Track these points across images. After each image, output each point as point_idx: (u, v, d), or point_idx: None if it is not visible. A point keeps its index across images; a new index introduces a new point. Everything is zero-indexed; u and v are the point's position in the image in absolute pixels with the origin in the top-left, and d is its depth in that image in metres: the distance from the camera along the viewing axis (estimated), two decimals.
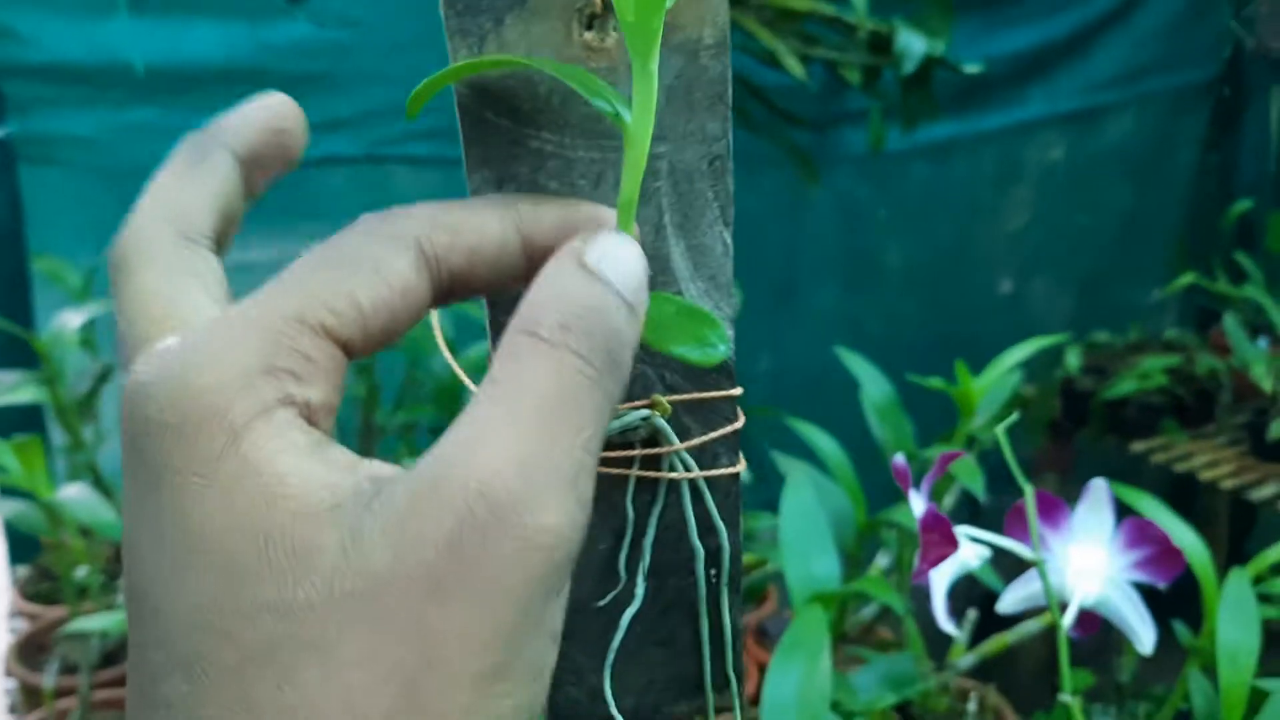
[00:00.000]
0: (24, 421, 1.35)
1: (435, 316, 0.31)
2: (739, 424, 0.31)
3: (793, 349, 1.84)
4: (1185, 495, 1.64)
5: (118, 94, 1.45)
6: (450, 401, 1.24)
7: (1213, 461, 1.53)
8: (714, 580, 0.32)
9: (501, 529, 0.20)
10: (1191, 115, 1.93)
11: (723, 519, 0.31)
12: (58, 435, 1.32)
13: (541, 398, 0.21)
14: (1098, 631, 0.51)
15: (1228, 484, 1.48)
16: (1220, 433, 1.61)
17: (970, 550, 0.51)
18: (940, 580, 0.50)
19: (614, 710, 0.32)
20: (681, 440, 0.30)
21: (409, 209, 0.26)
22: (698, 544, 0.31)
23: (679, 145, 0.28)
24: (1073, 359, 1.68)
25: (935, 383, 0.95)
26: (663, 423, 0.30)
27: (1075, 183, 1.93)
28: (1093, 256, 1.99)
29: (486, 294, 0.28)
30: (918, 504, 0.48)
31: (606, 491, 0.30)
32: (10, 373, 1.20)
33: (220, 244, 0.27)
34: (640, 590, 0.31)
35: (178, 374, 0.21)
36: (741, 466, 0.31)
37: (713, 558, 0.32)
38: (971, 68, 1.48)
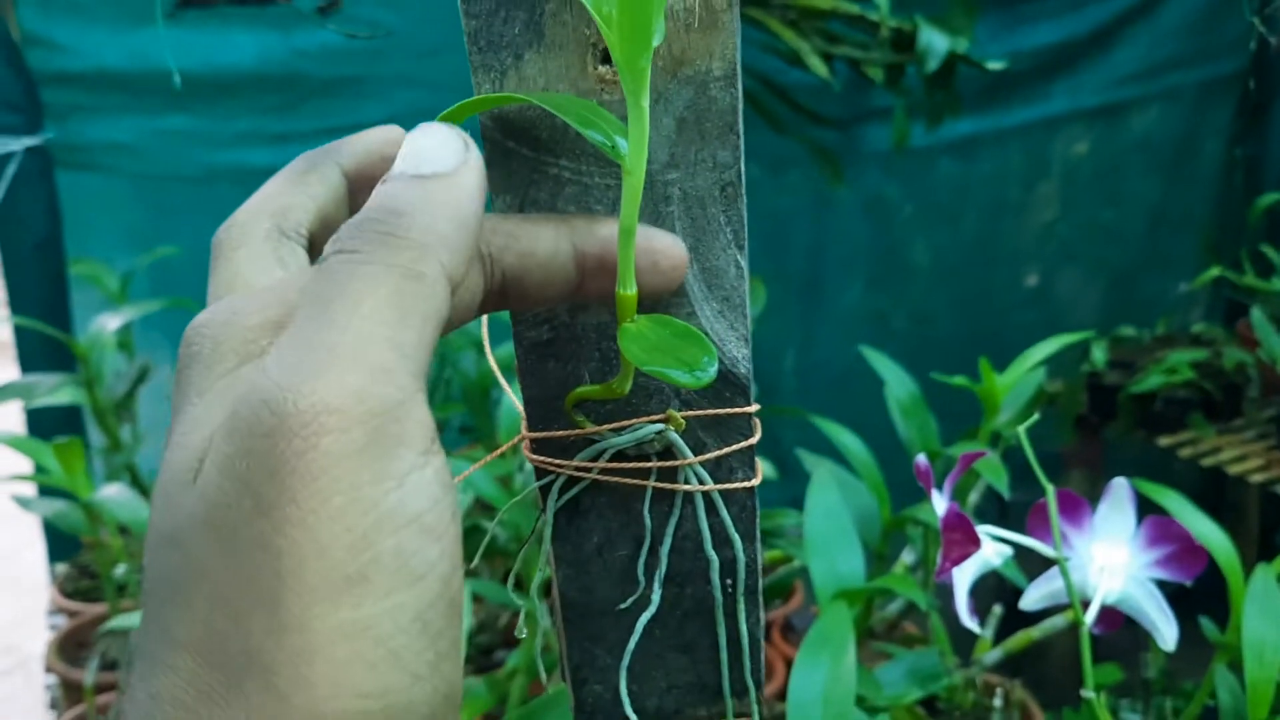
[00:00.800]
0: (63, 423, 1.38)
1: (485, 319, 0.33)
2: (754, 439, 0.32)
3: (819, 346, 1.85)
4: (1214, 490, 1.64)
5: (154, 101, 1.47)
6: (480, 399, 1.26)
7: (1241, 455, 1.52)
8: (730, 590, 0.33)
9: (284, 426, 0.20)
10: (1218, 109, 1.91)
11: (738, 531, 0.32)
12: (96, 436, 1.35)
13: (310, 305, 0.22)
14: (1126, 628, 0.52)
15: (1257, 478, 1.47)
16: (1248, 427, 1.60)
17: (992, 548, 0.51)
18: (963, 579, 0.51)
19: (629, 710, 0.33)
20: (698, 454, 0.31)
21: None
22: (713, 555, 0.32)
23: (690, 172, 0.30)
24: (1099, 354, 1.68)
25: (959, 380, 0.96)
26: (676, 437, 0.31)
27: (1101, 178, 1.92)
28: (1119, 251, 1.98)
29: (541, 302, 0.29)
30: (940, 504, 0.49)
31: (625, 500, 0.32)
32: (49, 375, 1.22)
33: (315, 245, 0.28)
34: (656, 596, 0.32)
35: (215, 315, 0.23)
36: (757, 480, 0.32)
37: (728, 568, 0.33)
38: (995, 64, 1.48)
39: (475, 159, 0.25)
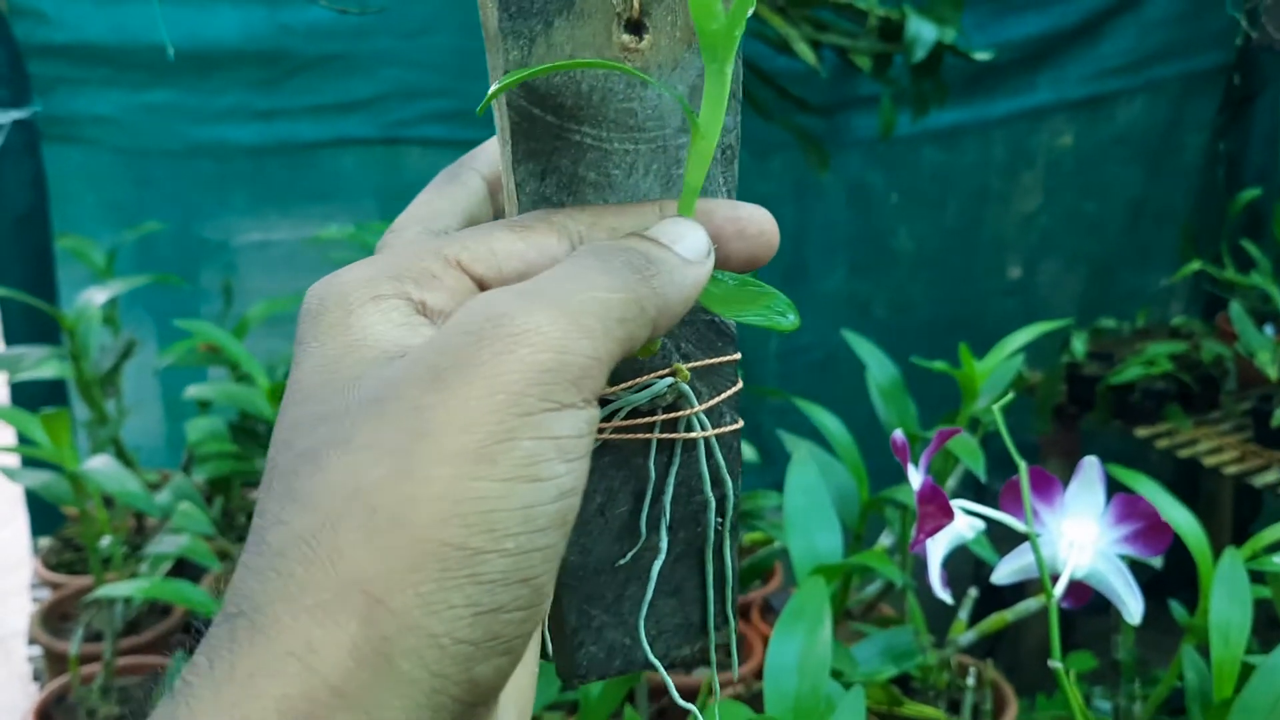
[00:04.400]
0: (47, 397, 1.38)
1: None
2: (740, 386, 0.34)
3: (801, 333, 1.85)
4: (1189, 481, 1.65)
5: (139, 75, 1.47)
6: None
7: (1217, 448, 1.54)
8: (720, 528, 0.35)
9: (495, 331, 0.23)
10: (1201, 102, 1.93)
11: (728, 471, 0.35)
12: (80, 411, 1.35)
13: (556, 272, 0.26)
14: (1097, 616, 0.53)
15: (1231, 470, 1.49)
16: (1225, 419, 1.62)
17: (965, 522, 0.53)
18: (936, 549, 0.52)
19: (652, 656, 0.34)
20: (695, 403, 0.34)
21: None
22: (710, 495, 0.34)
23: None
24: (1079, 344, 1.69)
25: (939, 365, 0.97)
26: (686, 388, 0.33)
27: (1084, 169, 1.94)
28: (1101, 243, 2.00)
29: None
30: (915, 478, 0.50)
31: (628, 457, 0.33)
32: (35, 348, 1.22)
33: None
34: (665, 542, 0.34)
35: (330, 280, 0.27)
36: (740, 424, 0.35)
37: (720, 507, 0.35)
38: (981, 54, 1.49)
39: (712, 262, 0.29)
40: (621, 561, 0.34)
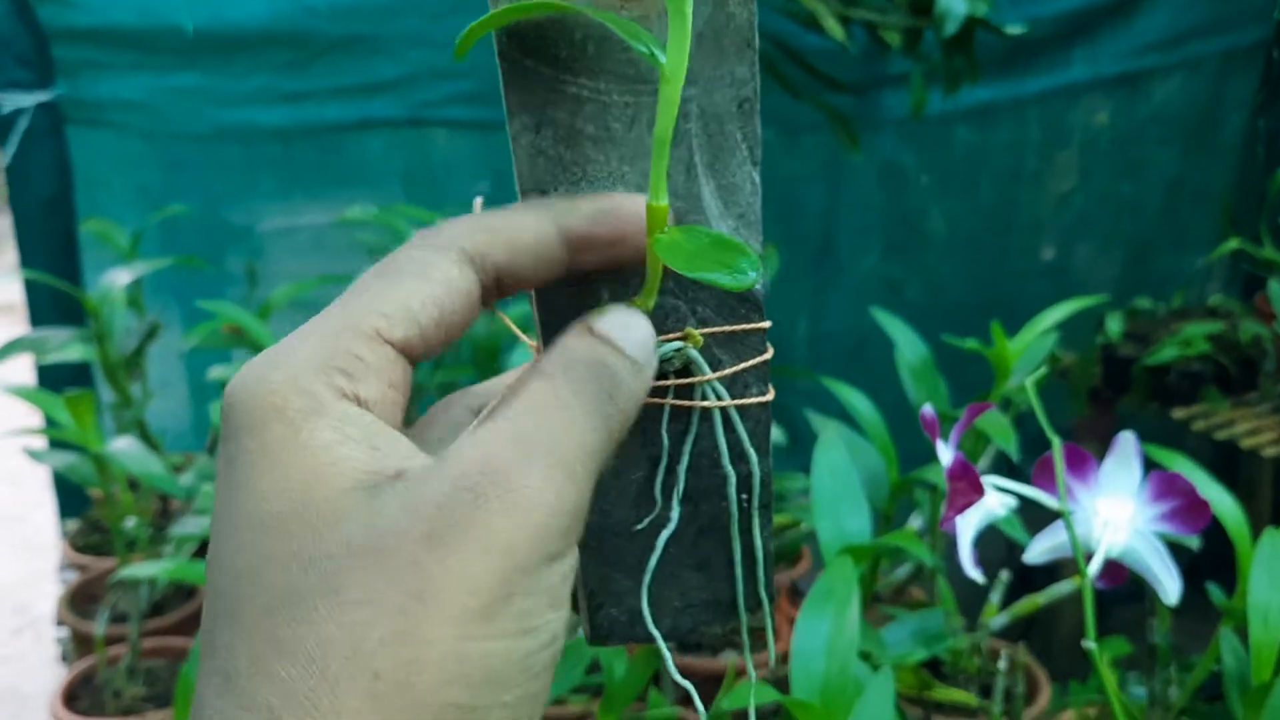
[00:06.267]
0: (73, 380, 1.38)
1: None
2: (768, 355, 0.32)
3: (832, 314, 1.84)
4: (1227, 463, 1.62)
5: (164, 58, 1.47)
6: (488, 361, 1.26)
7: (1255, 429, 1.51)
8: (745, 505, 0.33)
9: (492, 490, 0.24)
10: (1240, 79, 1.89)
11: (753, 446, 0.33)
12: (105, 394, 1.35)
13: (539, 407, 0.26)
14: (1132, 603, 0.51)
15: (1270, 451, 1.46)
16: (1263, 400, 1.59)
17: (996, 499, 0.51)
18: (967, 527, 0.50)
19: (652, 627, 0.33)
20: (715, 371, 0.32)
21: (451, 220, 0.29)
22: (730, 470, 0.33)
23: (708, 89, 0.30)
24: (1114, 325, 1.66)
25: (970, 344, 0.95)
26: (695, 354, 0.31)
27: (1120, 147, 1.90)
28: (1137, 222, 1.97)
29: (536, 285, 0.31)
30: (945, 454, 0.48)
31: (641, 421, 0.32)
32: (60, 329, 1.22)
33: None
34: (675, 514, 0.33)
35: (251, 383, 0.26)
36: (770, 395, 0.33)
37: (744, 483, 0.33)
38: (1014, 29, 1.46)
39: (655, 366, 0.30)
40: (639, 527, 0.33)
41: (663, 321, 0.31)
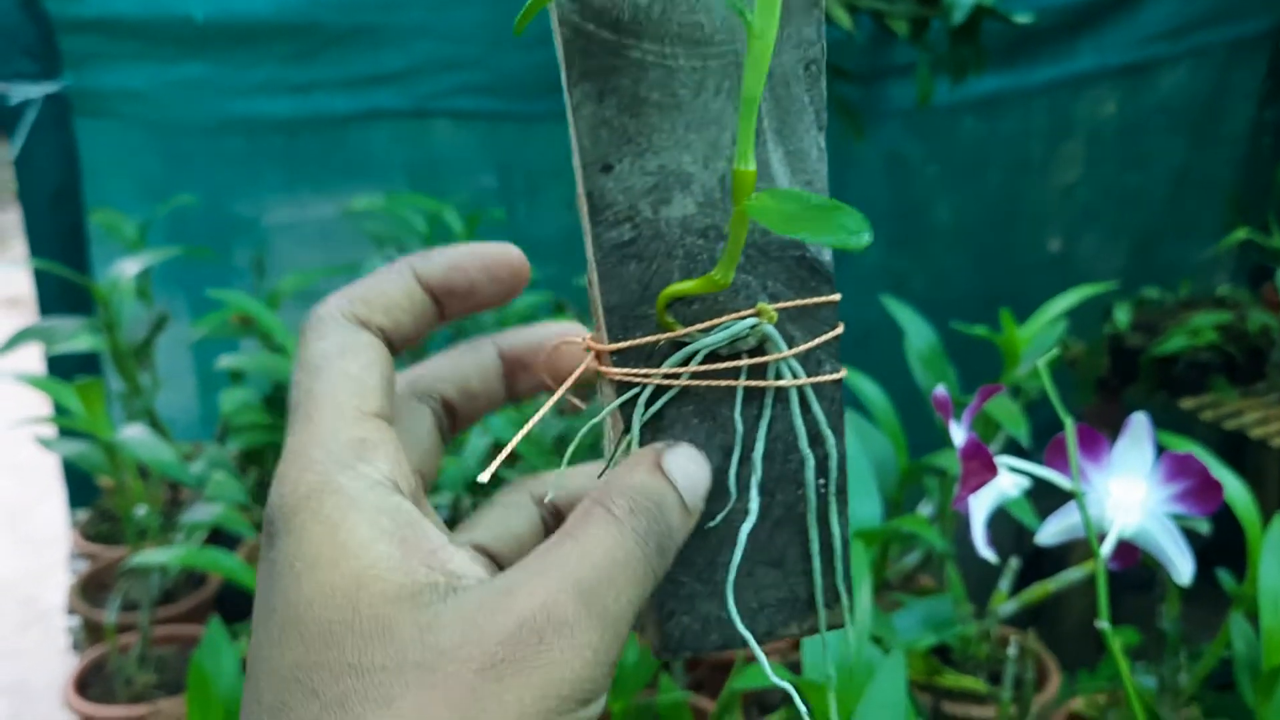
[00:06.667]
0: (81, 370, 1.39)
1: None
2: (840, 330, 0.31)
3: (838, 306, 1.84)
4: (1235, 453, 1.62)
5: (171, 49, 1.47)
6: None
7: (1263, 419, 1.51)
8: (823, 490, 0.32)
9: (555, 639, 0.25)
10: (1247, 69, 1.88)
11: (829, 426, 0.31)
12: (115, 383, 1.35)
13: (604, 554, 0.27)
14: (1143, 590, 0.51)
15: (1278, 441, 1.46)
16: (1271, 390, 1.59)
17: (1009, 480, 0.51)
18: (979, 507, 0.50)
19: (742, 627, 0.31)
20: (788, 348, 0.31)
21: (325, 299, 0.32)
22: (808, 452, 0.31)
23: (776, 50, 0.29)
24: (1122, 315, 1.66)
25: (979, 330, 0.95)
26: (771, 329, 0.30)
27: (1127, 138, 1.90)
28: (1144, 213, 1.96)
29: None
30: (958, 434, 0.48)
31: (713, 407, 0.31)
32: (69, 319, 1.23)
33: (450, 407, 0.35)
34: (755, 505, 0.31)
35: (287, 488, 0.27)
36: (844, 373, 0.32)
37: (821, 467, 0.31)
38: (1021, 18, 1.46)
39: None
40: (711, 524, 0.31)
41: (732, 298, 0.30)
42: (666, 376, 0.30)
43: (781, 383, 0.30)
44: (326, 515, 0.26)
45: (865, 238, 0.26)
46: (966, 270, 1.91)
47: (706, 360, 0.30)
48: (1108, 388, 1.71)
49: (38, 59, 1.41)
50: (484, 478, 0.29)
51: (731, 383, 0.30)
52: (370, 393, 0.29)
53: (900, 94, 1.72)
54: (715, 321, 0.30)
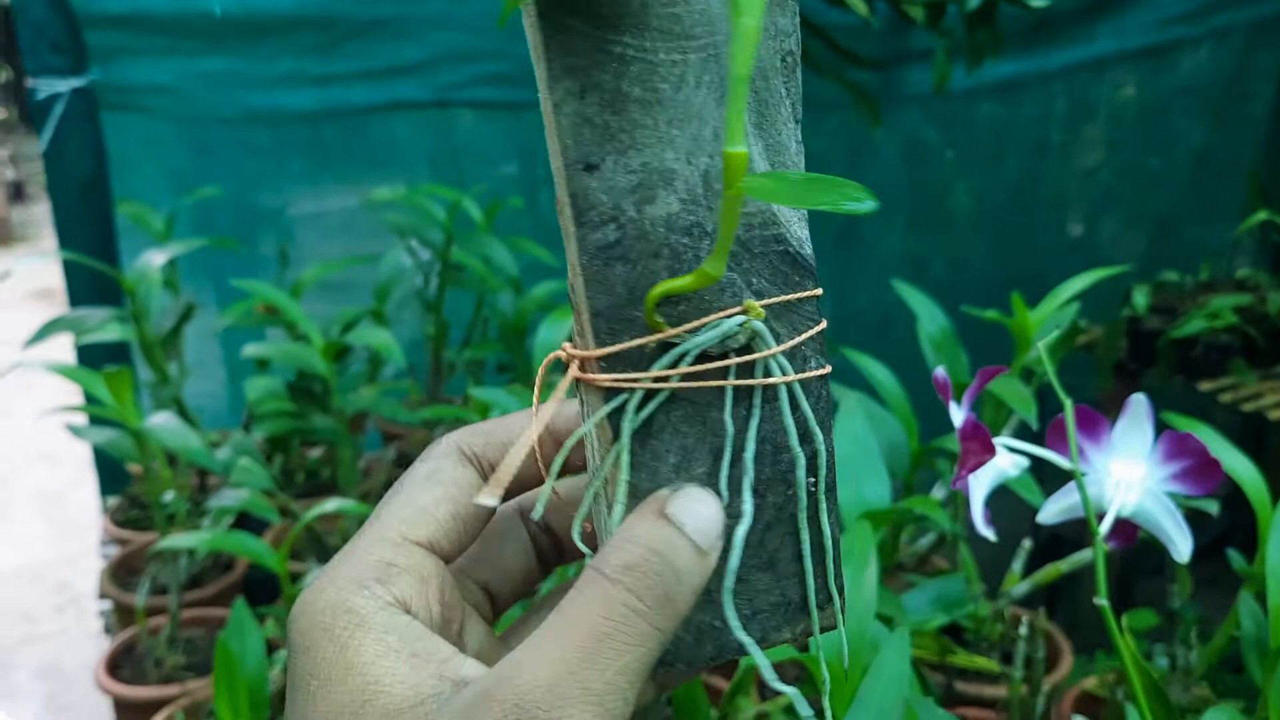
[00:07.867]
0: (111, 360, 1.41)
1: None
2: (823, 324, 0.31)
3: (855, 293, 1.85)
4: (1255, 435, 1.62)
5: (195, 43, 1.49)
6: (516, 339, 1.27)
7: None
8: (813, 489, 0.31)
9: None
10: (1268, 50, 1.87)
11: (817, 423, 0.31)
12: (143, 373, 1.38)
13: (588, 628, 0.27)
14: (1158, 575, 0.52)
15: None
16: None
17: (1008, 459, 0.52)
18: (978, 486, 0.51)
19: (742, 634, 0.31)
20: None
21: (452, 431, 0.34)
22: (798, 450, 0.31)
23: None
24: (1141, 298, 1.66)
25: (991, 314, 0.96)
26: (761, 325, 0.29)
27: (1146, 120, 1.89)
28: (1164, 196, 1.95)
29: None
30: (957, 415, 0.50)
31: (702, 409, 0.30)
32: (98, 309, 1.25)
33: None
34: (749, 506, 0.30)
35: (306, 605, 0.29)
36: (828, 368, 0.31)
37: (811, 465, 0.31)
38: (1038, 2, 1.46)
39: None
40: None
41: (718, 297, 0.29)
42: (656, 380, 0.29)
43: (772, 380, 0.30)
44: (337, 634, 0.28)
45: (870, 204, 0.25)
46: (986, 255, 1.91)
47: (695, 362, 0.29)
48: (1126, 371, 1.71)
49: (65, 54, 1.44)
50: (480, 501, 0.29)
51: (722, 383, 0.30)
52: (427, 522, 0.31)
53: (918, 80, 1.72)
54: (703, 321, 0.29)
